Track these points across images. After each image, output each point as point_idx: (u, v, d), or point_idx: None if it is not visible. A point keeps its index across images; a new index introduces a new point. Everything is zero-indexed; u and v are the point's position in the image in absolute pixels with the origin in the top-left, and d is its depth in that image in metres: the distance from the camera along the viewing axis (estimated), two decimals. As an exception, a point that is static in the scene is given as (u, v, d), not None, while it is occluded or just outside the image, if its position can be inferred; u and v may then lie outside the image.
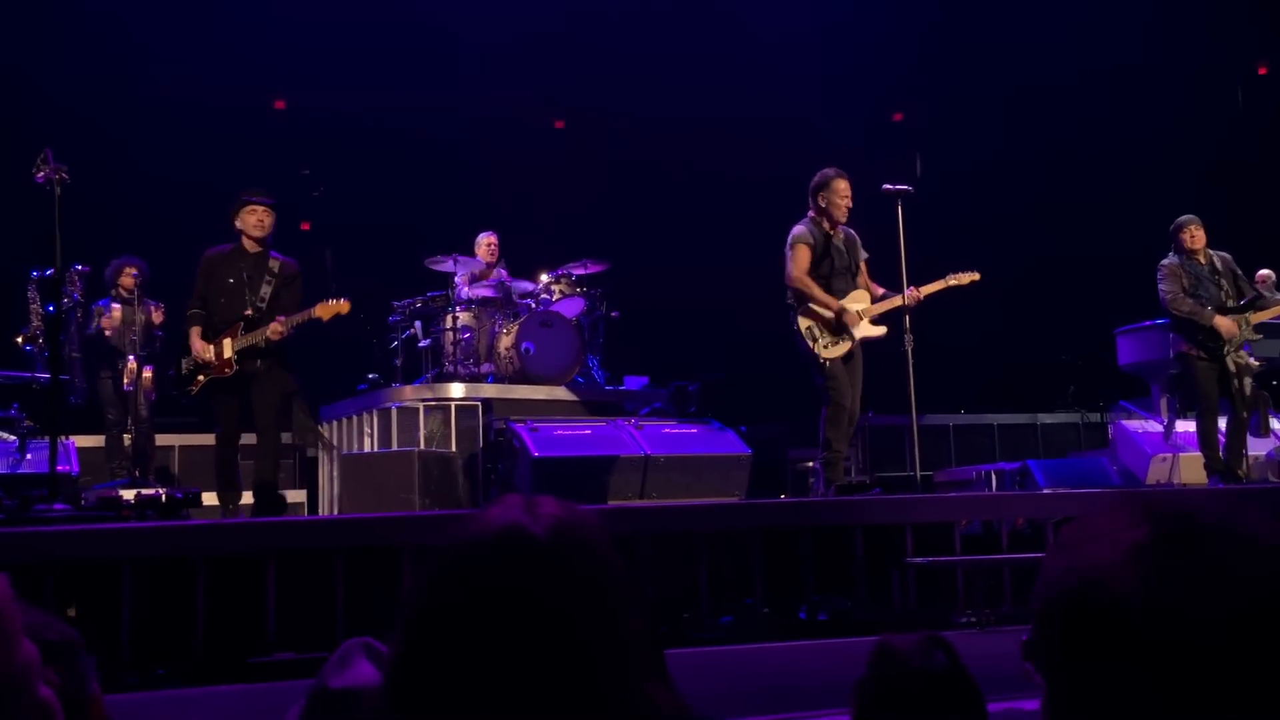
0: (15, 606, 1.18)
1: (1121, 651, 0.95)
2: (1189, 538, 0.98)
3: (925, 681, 2.06)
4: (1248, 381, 7.26)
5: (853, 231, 6.89)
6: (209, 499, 6.75)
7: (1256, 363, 7.51)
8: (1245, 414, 7.30)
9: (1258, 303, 7.40)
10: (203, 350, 6.44)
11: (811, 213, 6.79)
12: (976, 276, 6.87)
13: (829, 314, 6.63)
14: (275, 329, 6.38)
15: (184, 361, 6.55)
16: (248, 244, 6.58)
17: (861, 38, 11.86)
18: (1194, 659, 0.92)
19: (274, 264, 6.61)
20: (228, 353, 6.45)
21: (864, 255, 6.93)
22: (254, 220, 6.55)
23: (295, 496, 8.80)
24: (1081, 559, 1.01)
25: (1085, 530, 1.03)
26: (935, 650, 2.11)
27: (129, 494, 6.25)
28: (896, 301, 6.68)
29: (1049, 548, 1.08)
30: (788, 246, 6.76)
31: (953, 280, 6.85)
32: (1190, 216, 7.52)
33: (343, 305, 6.56)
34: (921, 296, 6.70)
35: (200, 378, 6.48)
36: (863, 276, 6.87)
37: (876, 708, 2.09)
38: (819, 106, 11.53)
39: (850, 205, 6.75)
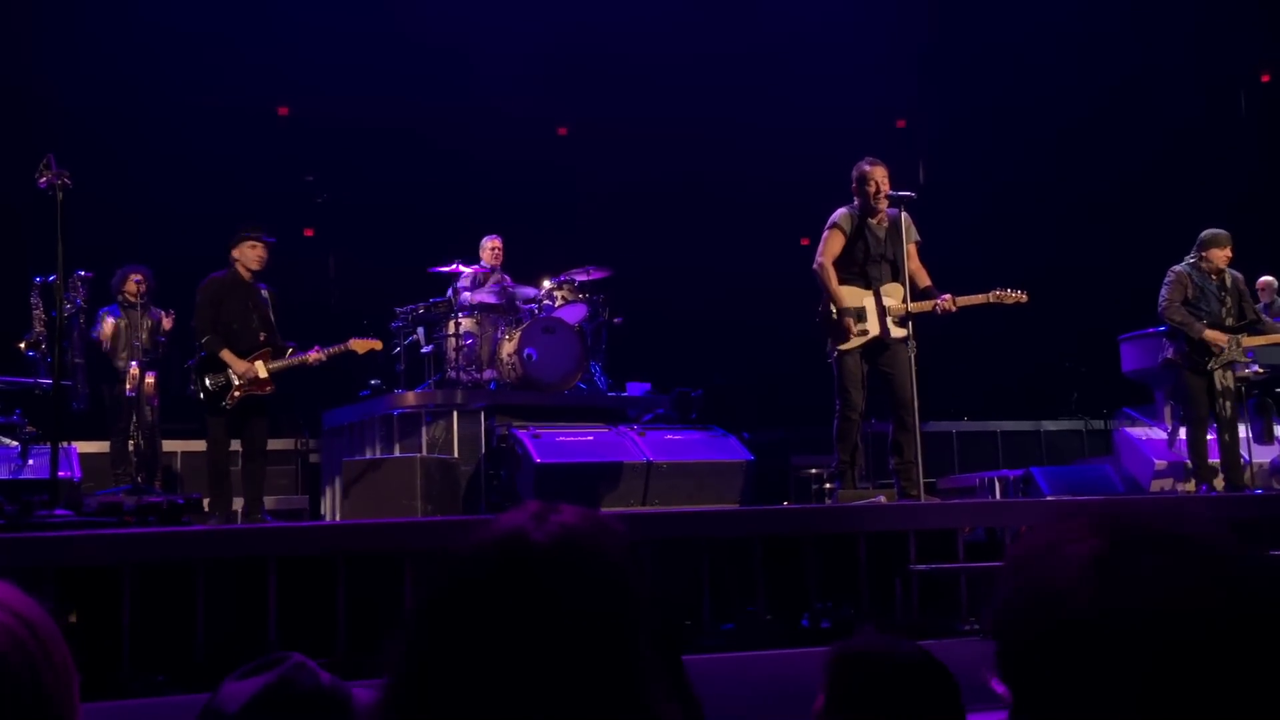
0: (57, 632, 1.13)
1: (1081, 664, 0.95)
2: (1138, 547, 0.98)
3: (895, 669, 2.04)
4: (1229, 404, 7.27)
5: (901, 216, 6.57)
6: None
7: (1261, 370, 7.52)
8: (1228, 436, 7.29)
9: (1255, 327, 7.42)
10: (247, 370, 6.81)
11: (855, 200, 6.66)
12: (1023, 298, 6.55)
13: (832, 309, 6.50)
14: (316, 358, 6.98)
15: (209, 379, 6.82)
16: (244, 273, 6.95)
17: (865, 45, 11.86)
18: (1151, 667, 0.93)
19: (264, 293, 7.08)
20: (263, 373, 6.87)
21: (915, 239, 6.63)
22: (256, 255, 6.94)
23: (297, 502, 8.80)
24: (1035, 576, 1.01)
25: (1035, 546, 1.03)
26: (901, 642, 2.09)
27: (130, 500, 6.25)
28: (927, 307, 6.48)
29: (1003, 564, 1.08)
30: (824, 229, 6.64)
31: (995, 297, 6.54)
32: (1225, 234, 7.42)
33: (376, 343, 7.28)
34: (955, 308, 6.49)
35: (235, 394, 6.83)
36: (912, 261, 6.55)
37: (846, 702, 2.06)
38: (822, 113, 11.53)
39: (879, 192, 6.49)
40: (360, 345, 7.12)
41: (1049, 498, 7.78)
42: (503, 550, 1.15)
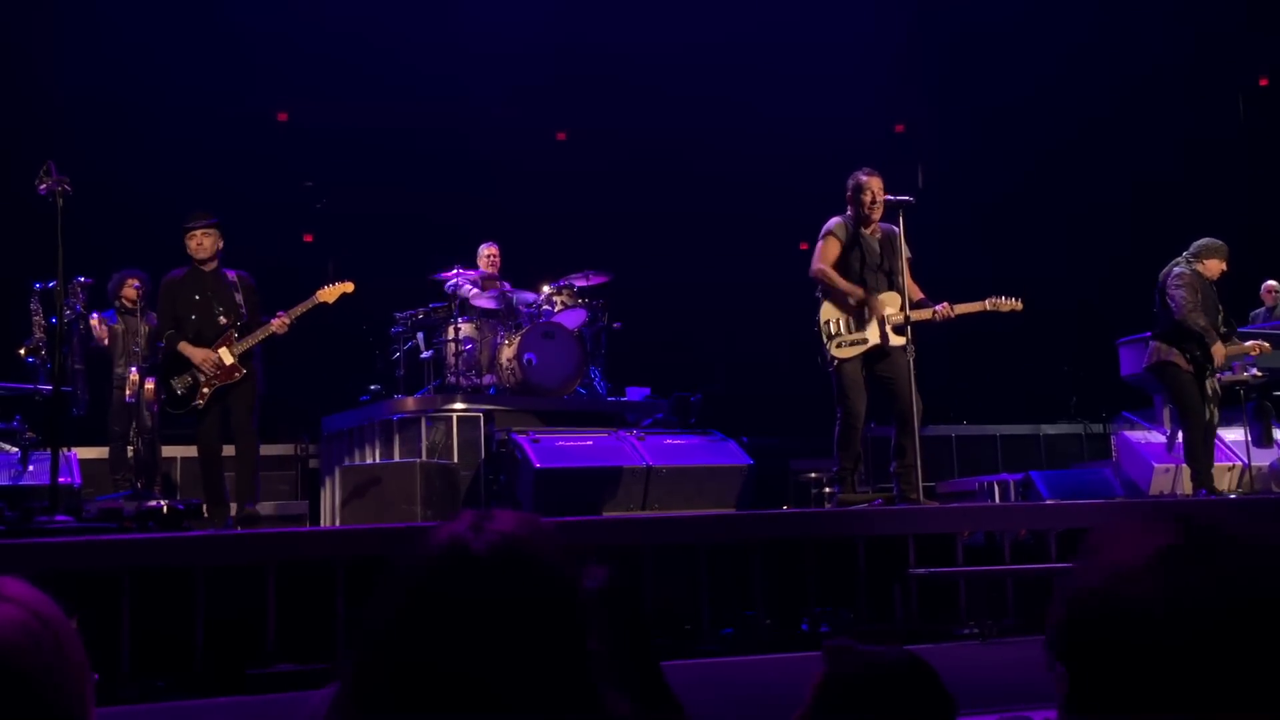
0: (77, 639, 1.17)
1: (1142, 649, 0.98)
2: (1214, 545, 1.01)
3: (884, 675, 2.03)
4: (1215, 409, 7.30)
5: (895, 230, 6.59)
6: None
7: (1259, 374, 7.54)
8: (1211, 439, 7.33)
9: (1231, 339, 7.44)
10: (205, 357, 6.52)
11: (850, 209, 6.66)
12: (1018, 306, 6.63)
13: (853, 301, 6.48)
14: (280, 323, 6.58)
15: (175, 381, 6.60)
16: (199, 265, 6.74)
17: (863, 49, 11.88)
18: (1211, 659, 0.95)
19: (231, 276, 6.79)
20: (229, 359, 6.58)
21: (907, 255, 6.61)
22: (194, 244, 6.71)
23: (297, 508, 8.80)
24: (1108, 559, 1.04)
25: (1113, 534, 1.07)
26: (892, 645, 2.09)
27: (130, 505, 6.25)
28: (926, 315, 6.48)
29: (1079, 551, 1.11)
30: (819, 237, 6.66)
31: (991, 305, 6.61)
32: (1225, 246, 7.36)
33: (347, 285, 6.81)
34: (954, 315, 6.50)
35: (205, 390, 6.57)
36: (905, 277, 6.55)
37: (834, 706, 2.05)
38: (821, 119, 11.55)
39: (876, 203, 6.51)
40: (329, 294, 6.75)
41: (1048, 502, 7.78)
42: (446, 560, 1.19)
